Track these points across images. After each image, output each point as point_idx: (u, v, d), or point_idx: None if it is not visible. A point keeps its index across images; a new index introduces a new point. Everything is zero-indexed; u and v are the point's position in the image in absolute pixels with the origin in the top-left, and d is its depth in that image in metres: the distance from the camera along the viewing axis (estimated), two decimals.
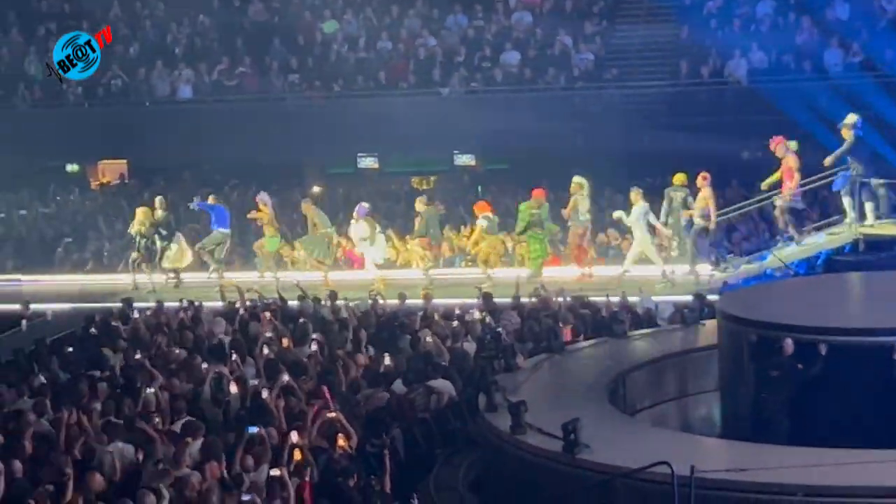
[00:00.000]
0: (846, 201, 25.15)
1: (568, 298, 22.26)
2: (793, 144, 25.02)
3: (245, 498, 13.55)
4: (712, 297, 20.76)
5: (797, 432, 14.82)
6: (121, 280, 28.01)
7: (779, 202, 25.39)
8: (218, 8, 35.58)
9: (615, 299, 22.37)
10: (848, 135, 24.69)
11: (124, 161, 35.61)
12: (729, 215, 26.67)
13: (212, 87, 33.72)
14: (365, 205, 27.01)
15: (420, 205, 27.40)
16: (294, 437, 15.19)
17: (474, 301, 22.45)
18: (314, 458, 15.03)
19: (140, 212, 27.89)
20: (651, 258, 25.56)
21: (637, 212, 25.59)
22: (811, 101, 27.97)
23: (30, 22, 35.47)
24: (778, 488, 12.69)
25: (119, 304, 23.79)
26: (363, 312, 22.23)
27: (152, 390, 17.29)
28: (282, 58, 33.79)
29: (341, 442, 15.59)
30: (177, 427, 16.09)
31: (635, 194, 25.70)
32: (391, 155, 33.65)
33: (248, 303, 23.12)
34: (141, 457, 15.07)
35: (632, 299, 22.29)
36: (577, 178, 26.04)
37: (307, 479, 14.52)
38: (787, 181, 25.20)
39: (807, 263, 25.17)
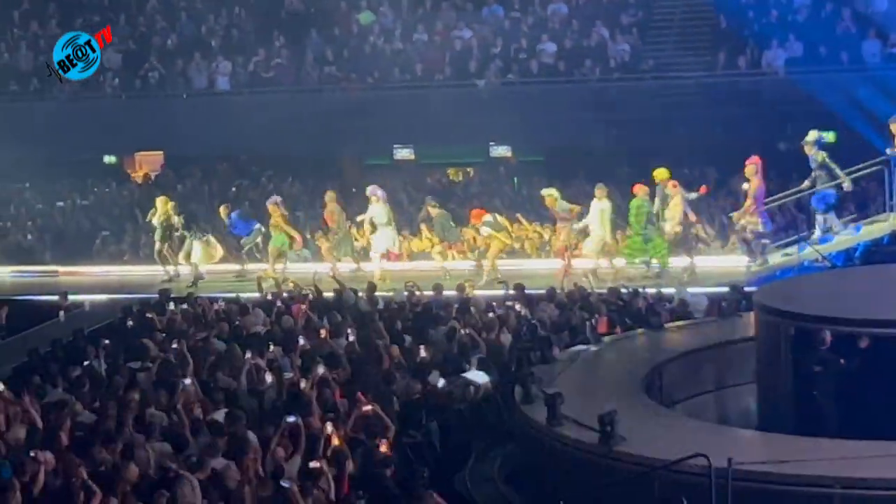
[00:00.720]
0: (824, 218, 24.88)
1: (604, 290, 22.27)
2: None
3: (284, 484, 13.60)
4: (749, 289, 20.69)
5: (836, 424, 14.77)
6: (158, 271, 28.14)
7: (741, 221, 25.18)
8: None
9: (651, 291, 22.33)
10: (812, 151, 24.49)
11: (161, 153, 35.77)
12: (766, 206, 26.54)
13: (248, 79, 33.77)
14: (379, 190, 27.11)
15: (432, 210, 27.36)
16: (329, 428, 15.23)
17: (510, 293, 22.44)
18: (351, 450, 15.05)
19: (160, 201, 28.03)
20: (591, 255, 25.62)
21: (596, 206, 25.53)
22: (849, 91, 27.80)
23: (69, 14, 35.55)
24: (815, 480, 12.66)
25: (156, 296, 23.91)
26: (399, 304, 22.24)
27: (189, 381, 17.35)
28: (318, 50, 33.80)
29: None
30: (217, 418, 16.14)
31: (600, 190, 25.69)
32: (427, 146, 33.65)
33: (284, 294, 23.18)
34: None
35: (667, 291, 22.25)
36: (547, 191, 26.15)
37: (345, 469, 14.54)
38: (750, 202, 25.06)
39: (845, 255, 25.03)
